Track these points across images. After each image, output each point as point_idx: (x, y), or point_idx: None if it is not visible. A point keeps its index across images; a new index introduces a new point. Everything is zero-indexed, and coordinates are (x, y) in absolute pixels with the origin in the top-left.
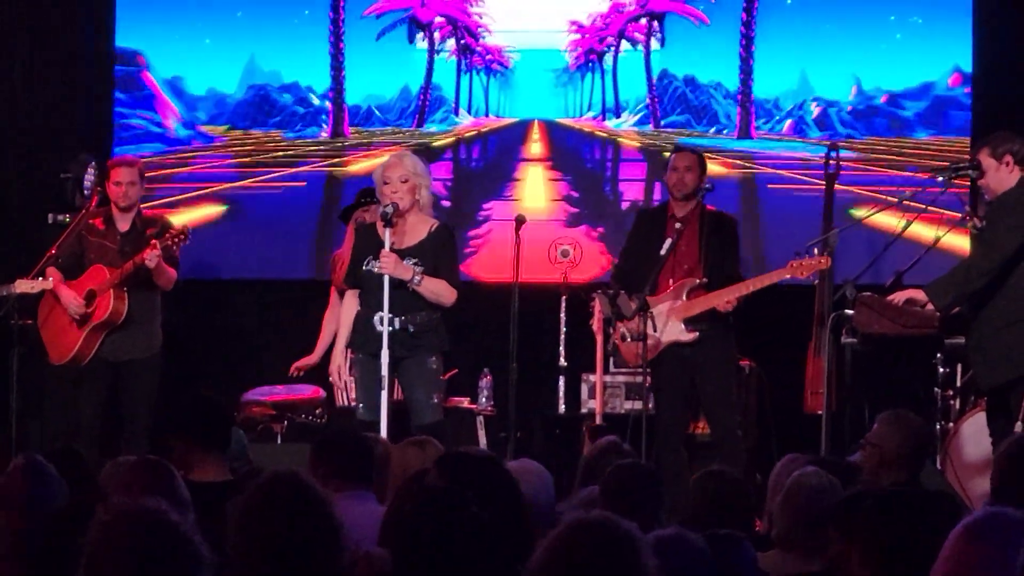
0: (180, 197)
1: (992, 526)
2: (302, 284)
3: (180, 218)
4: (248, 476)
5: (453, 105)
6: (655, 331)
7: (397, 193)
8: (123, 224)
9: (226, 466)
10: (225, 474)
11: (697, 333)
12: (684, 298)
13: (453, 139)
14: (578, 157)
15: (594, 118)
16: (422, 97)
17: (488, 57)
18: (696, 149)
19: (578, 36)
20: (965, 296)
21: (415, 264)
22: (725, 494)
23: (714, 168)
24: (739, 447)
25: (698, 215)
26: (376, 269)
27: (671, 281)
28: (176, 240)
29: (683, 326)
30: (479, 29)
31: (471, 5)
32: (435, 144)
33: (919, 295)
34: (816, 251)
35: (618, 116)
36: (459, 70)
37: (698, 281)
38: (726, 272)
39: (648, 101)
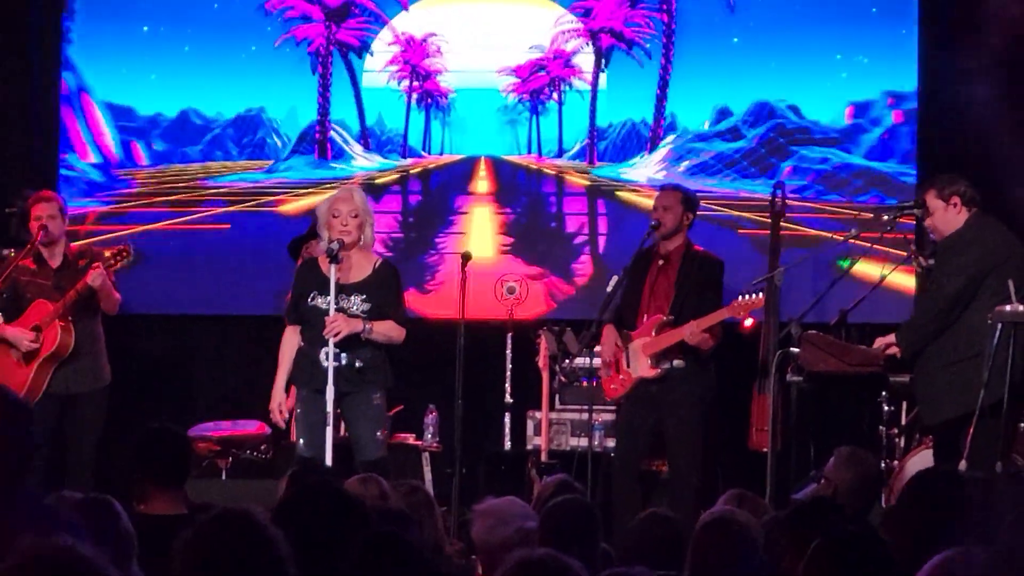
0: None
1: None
2: (257, 320)
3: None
4: (198, 510)
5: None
6: (628, 366)
7: (347, 227)
8: (54, 260)
9: (183, 500)
10: (180, 508)
11: (659, 370)
12: (653, 335)
13: (399, 175)
14: (524, 193)
15: (540, 155)
16: (318, 129)
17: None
18: (680, 187)
19: (518, 80)
20: (925, 340)
21: (362, 300)
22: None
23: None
24: (688, 490)
25: (681, 254)
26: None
27: (645, 318)
28: (118, 257)
29: (648, 362)
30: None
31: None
32: (380, 180)
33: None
34: (758, 291)
35: (564, 153)
36: (408, 104)
37: (664, 318)
38: (702, 312)
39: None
